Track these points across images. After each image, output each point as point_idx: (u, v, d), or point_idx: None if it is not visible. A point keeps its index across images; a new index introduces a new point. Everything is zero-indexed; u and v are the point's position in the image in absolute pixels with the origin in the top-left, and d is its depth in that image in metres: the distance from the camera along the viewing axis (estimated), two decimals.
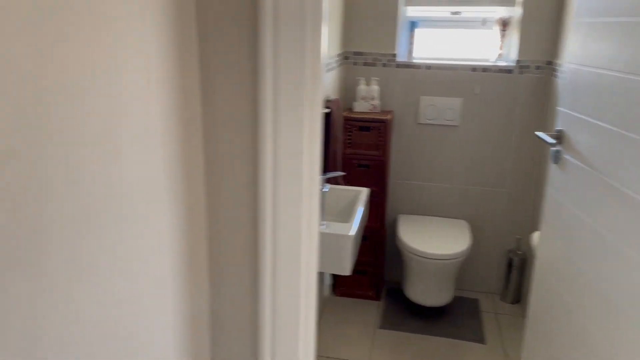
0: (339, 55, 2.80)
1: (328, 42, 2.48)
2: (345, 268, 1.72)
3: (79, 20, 0.67)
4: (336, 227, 1.75)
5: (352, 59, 2.95)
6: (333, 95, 2.67)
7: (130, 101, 0.80)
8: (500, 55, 2.89)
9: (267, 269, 1.12)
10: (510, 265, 2.99)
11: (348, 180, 2.73)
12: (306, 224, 1.10)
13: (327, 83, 2.51)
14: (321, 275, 2.70)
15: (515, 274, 2.98)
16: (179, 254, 1.02)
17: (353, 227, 1.76)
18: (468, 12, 2.91)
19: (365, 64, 2.94)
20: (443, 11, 2.94)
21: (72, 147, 0.68)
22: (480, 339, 2.68)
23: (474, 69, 2.85)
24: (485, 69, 2.84)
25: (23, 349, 0.62)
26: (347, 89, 2.98)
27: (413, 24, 3.02)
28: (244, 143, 1.07)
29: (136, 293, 0.87)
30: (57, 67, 0.64)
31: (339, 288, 3.04)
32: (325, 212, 2.12)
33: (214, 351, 1.23)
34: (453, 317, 2.88)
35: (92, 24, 0.70)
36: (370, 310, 2.92)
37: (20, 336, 0.62)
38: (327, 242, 1.69)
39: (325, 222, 1.78)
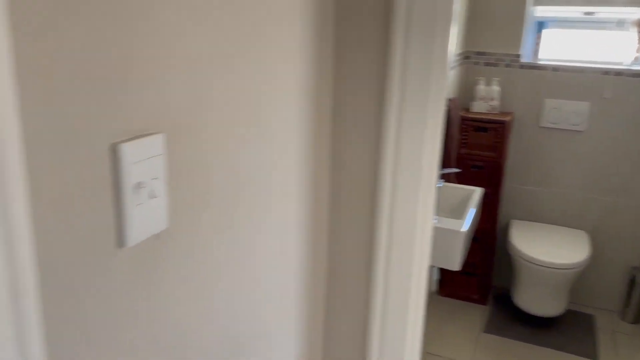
0: (459, 54, 2.79)
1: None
2: (455, 263, 1.74)
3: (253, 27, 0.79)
4: (448, 223, 1.78)
5: (473, 59, 2.92)
6: (451, 94, 2.67)
7: (278, 94, 0.91)
8: (636, 58, 2.71)
9: (381, 258, 1.19)
10: (633, 282, 2.80)
11: (461, 180, 2.71)
12: (422, 217, 1.16)
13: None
14: (430, 269, 2.72)
15: (638, 292, 2.78)
16: (303, 238, 1.12)
17: (465, 224, 1.78)
18: (603, 12, 2.76)
19: (487, 64, 2.90)
20: (575, 11, 2.81)
21: (232, 129, 0.80)
22: (593, 356, 2.55)
23: (605, 72, 2.70)
24: (618, 73, 2.68)
25: (190, 278, 0.75)
26: (466, 88, 2.95)
27: (541, 24, 2.92)
28: (368, 135, 1.15)
29: (267, 264, 0.99)
30: (228, 62, 0.76)
31: (444, 288, 3.03)
32: (437, 208, 2.14)
33: (325, 338, 1.33)
34: (564, 330, 2.76)
35: (257, 33, 0.81)
36: (475, 313, 2.88)
37: (190, 271, 0.75)
38: (438, 237, 1.72)
39: (437, 217, 1.81)
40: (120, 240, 0.63)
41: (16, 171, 0.47)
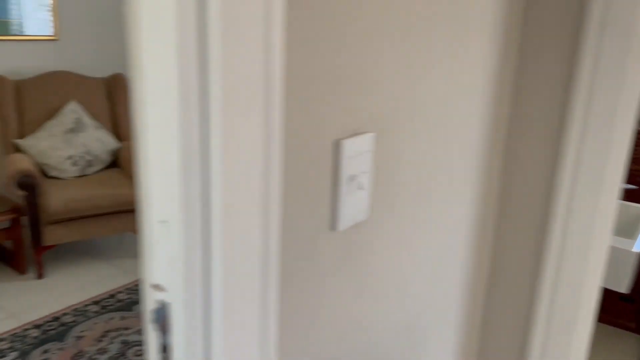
0: None
1: None
2: (623, 285, 1.64)
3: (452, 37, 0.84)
4: (619, 241, 1.67)
5: None
6: None
7: (463, 99, 0.96)
8: None
9: (550, 270, 1.17)
10: None
11: (628, 198, 2.51)
12: (599, 232, 1.11)
13: None
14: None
15: None
16: (470, 237, 1.15)
17: (638, 244, 1.66)
18: None
19: None
20: None
21: (424, 129, 0.86)
22: None
23: None
24: None
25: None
26: None
27: None
28: (546, 143, 1.14)
29: (441, 257, 1.03)
30: (425, 72, 0.82)
31: (598, 313, 2.82)
32: None
33: (481, 345, 1.33)
34: None
35: (458, 45, 0.86)
36: (630, 343, 2.65)
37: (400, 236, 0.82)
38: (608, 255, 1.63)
39: None
40: (332, 224, 0.72)
41: (277, 157, 0.57)
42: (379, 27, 0.70)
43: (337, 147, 0.69)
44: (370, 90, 0.72)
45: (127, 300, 2.69)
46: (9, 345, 2.28)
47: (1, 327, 2.40)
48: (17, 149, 3.01)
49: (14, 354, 2.22)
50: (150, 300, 0.60)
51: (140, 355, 2.26)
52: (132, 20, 0.53)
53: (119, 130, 3.40)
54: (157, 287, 0.58)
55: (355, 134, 0.71)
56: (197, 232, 0.53)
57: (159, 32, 0.49)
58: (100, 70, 3.64)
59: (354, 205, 0.74)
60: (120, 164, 3.25)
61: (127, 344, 2.33)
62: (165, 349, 0.59)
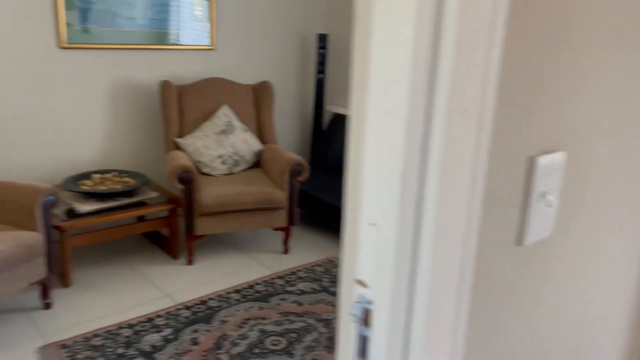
0: None
1: None
2: None
3: None
4: None
5: None
6: None
7: None
8: None
9: None
10: None
11: None
12: None
13: None
14: None
15: None
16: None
17: None
18: None
19: None
20: None
21: (611, 151, 0.83)
22: None
23: None
24: None
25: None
26: None
27: None
28: None
29: (616, 269, 0.99)
30: (614, 95, 0.80)
31: None
32: None
33: None
34: None
35: None
36: None
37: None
38: None
39: None
40: (519, 239, 0.73)
41: (482, 171, 0.60)
42: (581, 48, 0.70)
43: (531, 164, 0.70)
44: (566, 107, 0.72)
45: (264, 292, 2.86)
46: (164, 322, 2.54)
47: (158, 305, 2.69)
48: (177, 147, 3.34)
49: (168, 330, 2.47)
50: (352, 294, 0.66)
51: (276, 344, 2.40)
52: (361, 35, 0.59)
53: (262, 133, 3.63)
54: (360, 283, 0.64)
55: (547, 151, 0.72)
56: (408, 238, 0.58)
57: (393, 47, 0.54)
58: (249, 77, 3.92)
59: (541, 221, 0.74)
60: (262, 164, 3.47)
61: (264, 333, 2.48)
62: (363, 341, 0.64)
